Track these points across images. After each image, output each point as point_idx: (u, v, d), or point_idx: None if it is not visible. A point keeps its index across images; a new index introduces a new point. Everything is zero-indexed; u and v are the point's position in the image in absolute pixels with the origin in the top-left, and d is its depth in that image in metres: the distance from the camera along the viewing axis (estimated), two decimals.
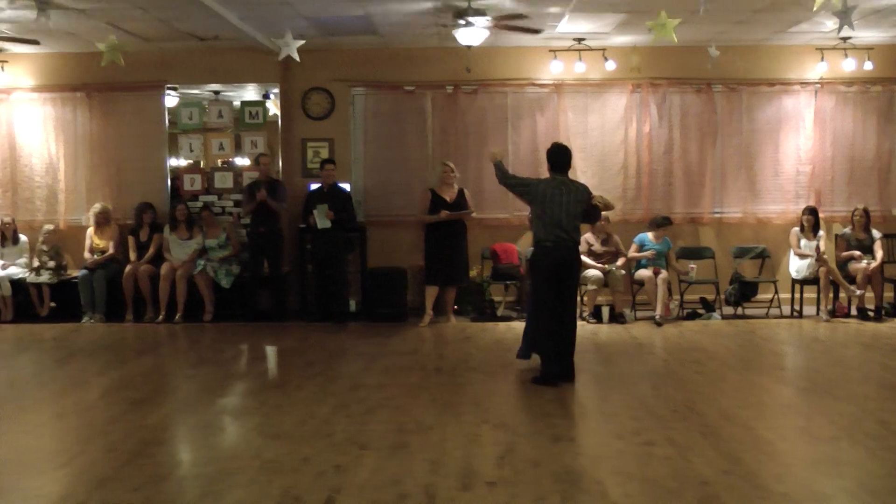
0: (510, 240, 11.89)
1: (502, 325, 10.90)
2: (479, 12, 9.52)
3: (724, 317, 11.37)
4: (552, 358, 7.75)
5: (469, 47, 10.18)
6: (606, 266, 11.07)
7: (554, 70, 11.90)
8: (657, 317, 10.88)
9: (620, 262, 11.18)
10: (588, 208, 8.03)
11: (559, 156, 7.97)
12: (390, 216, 12.09)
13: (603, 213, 11.06)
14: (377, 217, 12.13)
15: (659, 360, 9.08)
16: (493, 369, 8.36)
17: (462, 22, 9.62)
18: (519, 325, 10.67)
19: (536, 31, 10.19)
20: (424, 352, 9.42)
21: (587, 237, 11.25)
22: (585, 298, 11.12)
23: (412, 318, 11.18)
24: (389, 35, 11.31)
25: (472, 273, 11.40)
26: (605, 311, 11.02)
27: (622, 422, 6.50)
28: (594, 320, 10.98)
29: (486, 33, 9.86)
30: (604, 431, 6.35)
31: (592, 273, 10.99)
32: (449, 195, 10.93)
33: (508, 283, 11.50)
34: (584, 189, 8.01)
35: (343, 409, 6.95)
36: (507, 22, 9.79)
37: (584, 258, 11.13)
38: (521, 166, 11.99)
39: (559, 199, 7.75)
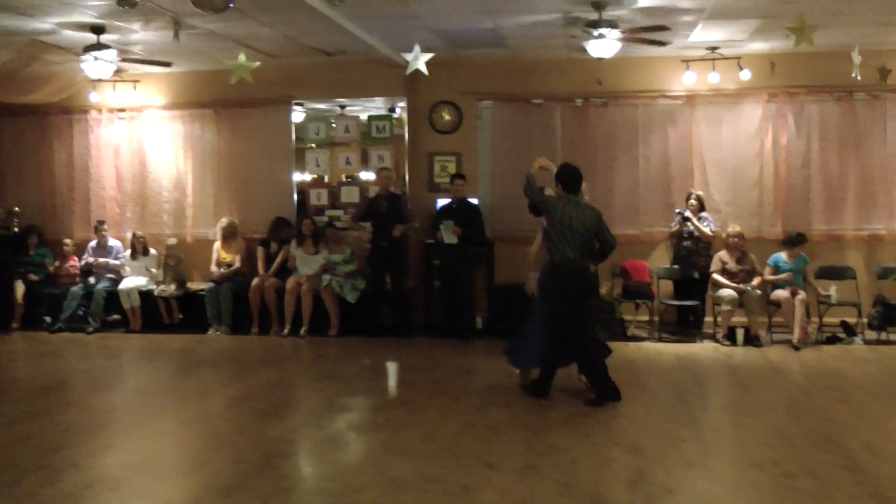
0: (641, 257, 11.74)
1: (632, 345, 10.77)
2: (611, 24, 9.46)
3: (866, 342, 10.92)
4: (551, 375, 8.06)
5: (600, 59, 10.11)
6: (741, 286, 10.81)
7: (686, 81, 11.72)
8: (795, 340, 10.55)
9: (756, 281, 10.90)
10: (602, 242, 8.09)
11: (573, 176, 8.17)
12: (518, 231, 11.99)
13: (738, 230, 10.94)
14: (505, 232, 12.12)
15: (797, 386, 8.82)
16: (624, 390, 8.18)
17: (593, 34, 9.56)
18: (650, 346, 10.61)
19: (664, 44, 10.03)
20: None
21: (721, 255, 11.03)
22: (719, 319, 10.89)
23: None
24: (518, 47, 11.34)
25: (602, 290, 11.28)
26: (740, 334, 10.75)
27: (759, 450, 6.34)
28: (728, 342, 10.72)
29: (618, 45, 9.77)
30: (739, 460, 6.20)
31: (727, 293, 10.75)
32: None
33: (639, 301, 11.35)
34: (594, 210, 8.15)
35: (470, 427, 6.97)
36: (640, 35, 9.68)
37: (717, 277, 10.92)
38: (652, 182, 11.90)
39: (577, 219, 7.93)
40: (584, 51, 9.98)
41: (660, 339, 10.99)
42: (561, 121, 12.16)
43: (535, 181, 8.32)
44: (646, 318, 11.48)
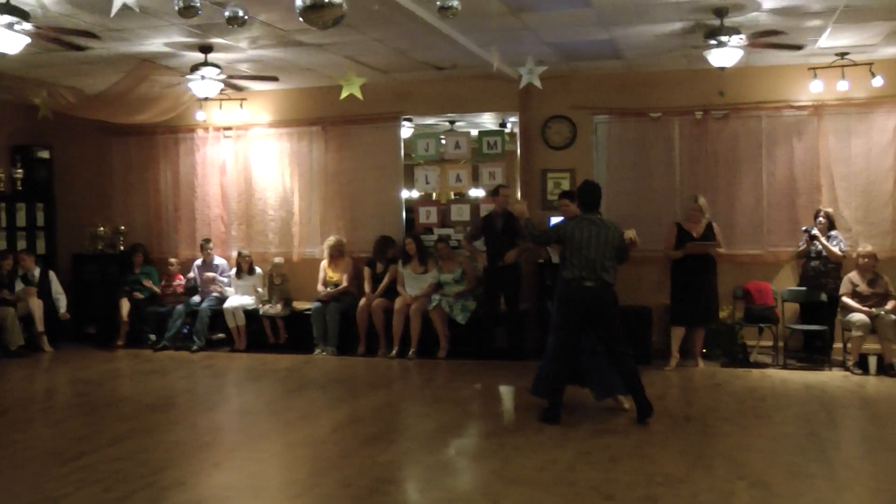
0: (765, 278, 11.50)
1: (756, 371, 10.54)
2: (733, 31, 9.32)
3: None
4: (558, 396, 8.16)
5: (722, 69, 9.98)
6: (873, 310, 10.49)
7: (814, 90, 11.42)
8: None
9: (890, 305, 10.55)
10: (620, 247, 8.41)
11: (590, 194, 8.55)
12: (634, 251, 11.80)
13: (870, 249, 10.64)
14: None
15: None
16: (747, 420, 8.12)
17: (714, 42, 9.45)
18: (774, 373, 10.38)
19: (797, 48, 9.83)
20: (671, 398, 9.27)
21: (851, 277, 10.73)
22: (850, 346, 10.60)
23: (657, 360, 10.96)
24: (634, 58, 11.28)
25: (723, 314, 11.12)
26: (873, 361, 10.42)
27: None
28: (860, 371, 10.40)
29: (741, 53, 9.63)
30: (877, 501, 6.01)
31: (858, 317, 10.44)
32: (696, 230, 10.75)
33: (763, 325, 11.11)
34: (615, 228, 8.43)
35: (586, 455, 6.93)
36: (764, 40, 9.53)
37: (847, 300, 10.63)
38: (777, 198, 11.64)
39: (588, 239, 8.19)
40: (705, 60, 9.87)
41: (785, 367, 10.72)
42: (679, 135, 12.01)
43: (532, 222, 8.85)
44: (770, 343, 11.21)
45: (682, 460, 6.79)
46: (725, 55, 9.56)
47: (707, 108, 11.85)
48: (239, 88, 12.19)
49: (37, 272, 12.97)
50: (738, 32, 9.29)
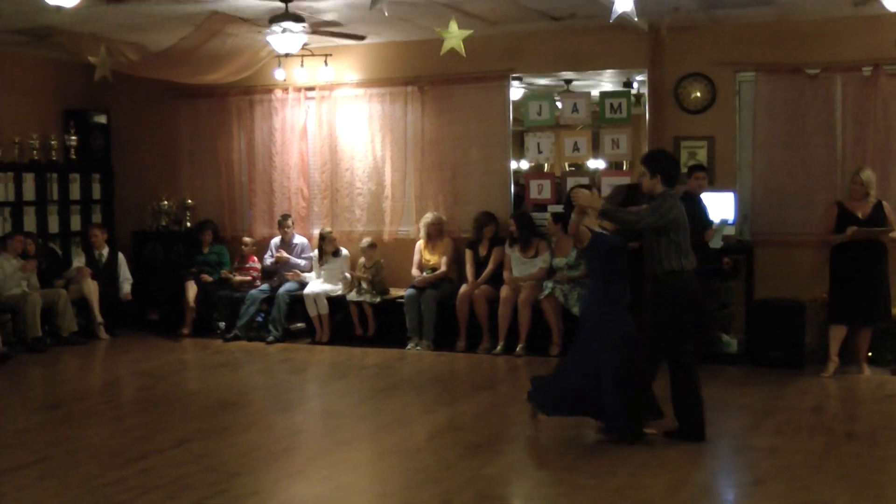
0: None
1: None
2: None
3: None
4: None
5: None
6: None
7: None
8: None
9: None
10: None
11: (676, 166, 8.38)
12: (786, 234, 11.64)
13: None
14: (769, 235, 11.72)
15: None
16: None
17: None
18: None
19: None
20: (830, 410, 9.07)
21: None
22: None
23: (811, 364, 10.65)
24: (788, 4, 10.99)
25: (894, 311, 10.80)
26: None
27: None
28: None
29: None
30: None
31: None
32: (861, 210, 10.43)
33: None
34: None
35: (725, 475, 6.88)
36: None
37: None
38: None
39: (685, 220, 7.92)
40: (877, 3, 9.53)
41: None
42: (843, 95, 11.61)
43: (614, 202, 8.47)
44: None
45: (843, 487, 6.62)
46: None
47: (878, 62, 11.40)
48: (354, 37, 12.15)
49: (105, 252, 13.27)
50: None
